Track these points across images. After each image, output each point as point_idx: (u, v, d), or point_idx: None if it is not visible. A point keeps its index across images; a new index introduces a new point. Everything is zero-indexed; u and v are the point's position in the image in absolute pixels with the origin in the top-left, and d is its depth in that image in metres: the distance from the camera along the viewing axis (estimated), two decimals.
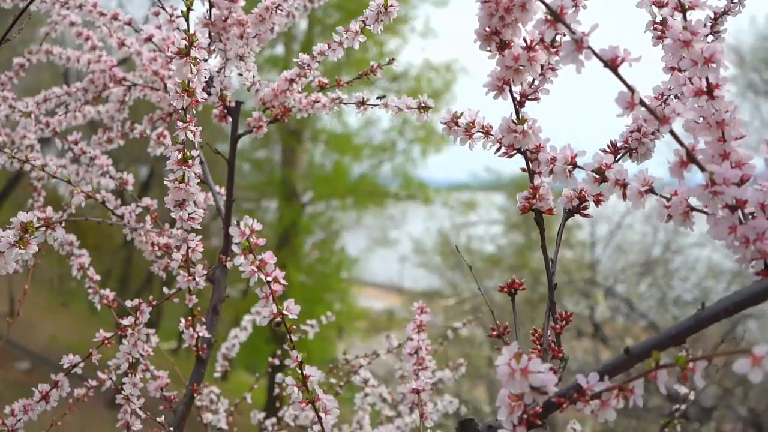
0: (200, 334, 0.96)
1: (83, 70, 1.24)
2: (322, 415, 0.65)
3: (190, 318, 0.96)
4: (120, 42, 1.14)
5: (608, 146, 0.69)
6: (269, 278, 0.62)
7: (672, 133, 0.52)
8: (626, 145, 0.68)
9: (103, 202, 1.00)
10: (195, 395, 0.99)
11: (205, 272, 0.90)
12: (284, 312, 0.63)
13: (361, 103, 0.95)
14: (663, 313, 6.88)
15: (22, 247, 0.67)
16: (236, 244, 0.61)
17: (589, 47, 0.50)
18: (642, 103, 0.50)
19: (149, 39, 1.07)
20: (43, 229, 0.67)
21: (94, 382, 1.12)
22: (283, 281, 0.63)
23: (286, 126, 10.84)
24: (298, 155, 11.26)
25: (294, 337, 1.52)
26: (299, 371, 0.65)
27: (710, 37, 0.72)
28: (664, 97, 0.68)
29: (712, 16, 0.73)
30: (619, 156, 0.69)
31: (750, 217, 0.53)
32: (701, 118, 0.54)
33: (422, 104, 0.85)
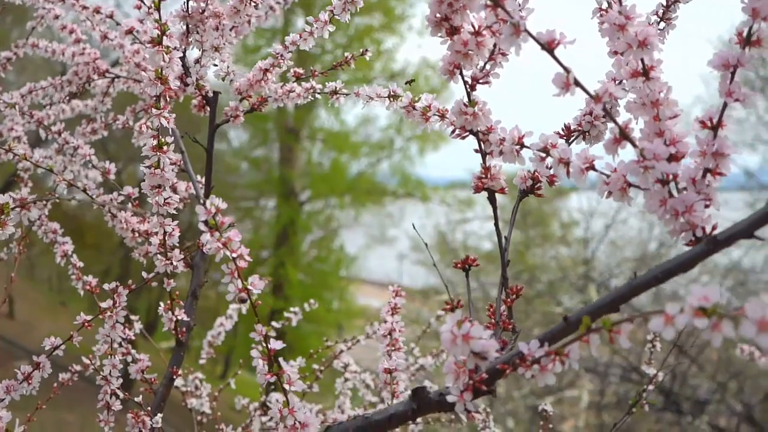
0: (179, 318, 0.99)
1: (68, 63, 1.26)
2: (286, 386, 0.67)
3: (168, 302, 0.99)
4: (102, 35, 1.17)
5: (562, 129, 0.72)
6: (235, 255, 0.65)
7: (605, 111, 0.55)
8: (579, 128, 0.71)
9: (84, 189, 1.03)
10: (174, 377, 1.01)
11: (182, 256, 0.93)
12: (249, 287, 0.66)
13: (334, 93, 0.98)
14: (658, 307, 6.91)
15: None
16: (203, 222, 0.64)
17: (526, 30, 0.53)
18: (576, 83, 0.53)
19: (130, 32, 1.10)
20: (18, 209, 0.70)
21: (78, 367, 1.16)
22: (248, 258, 0.66)
23: (284, 125, 10.87)
24: (296, 154, 11.30)
25: (278, 324, 1.54)
26: (264, 345, 0.68)
27: (662, 24, 0.75)
28: (616, 81, 0.71)
29: (665, 3, 0.76)
30: (572, 138, 0.72)
31: (684, 191, 0.56)
32: (639, 98, 0.57)
33: (392, 93, 0.88)
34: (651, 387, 1.14)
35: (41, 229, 1.17)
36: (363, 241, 11.97)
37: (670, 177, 0.54)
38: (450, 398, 0.57)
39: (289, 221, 10.71)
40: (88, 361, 1.08)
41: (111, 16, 1.14)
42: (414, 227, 0.82)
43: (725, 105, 0.55)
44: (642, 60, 0.56)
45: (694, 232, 0.53)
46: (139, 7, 1.13)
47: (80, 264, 1.14)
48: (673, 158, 0.55)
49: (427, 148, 11.60)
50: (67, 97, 1.22)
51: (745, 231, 0.50)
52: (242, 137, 11.90)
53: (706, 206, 0.54)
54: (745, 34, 0.54)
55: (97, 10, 1.13)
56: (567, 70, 0.53)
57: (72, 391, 1.19)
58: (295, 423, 0.66)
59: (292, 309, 1.43)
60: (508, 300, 0.67)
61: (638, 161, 0.54)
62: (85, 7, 1.13)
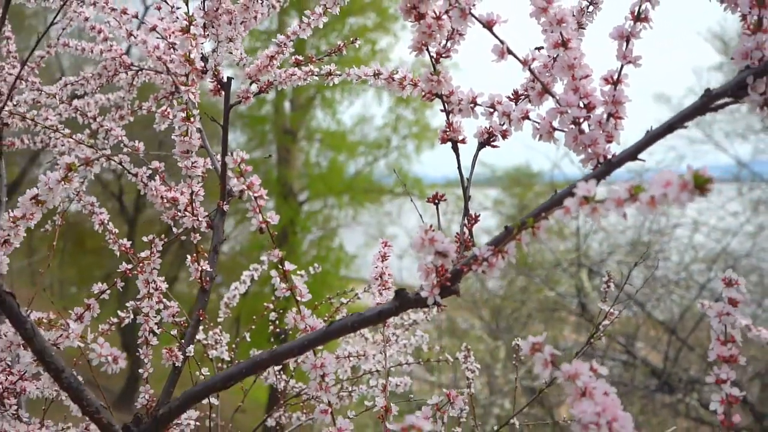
0: (204, 269, 1.18)
1: (96, 59, 1.45)
2: (298, 298, 0.86)
3: (195, 254, 1.17)
4: (128, 33, 1.35)
5: (511, 93, 0.90)
6: (256, 194, 0.83)
7: (531, 71, 0.73)
8: (525, 93, 0.90)
9: (120, 162, 1.21)
10: (201, 319, 1.20)
11: (206, 214, 1.12)
12: (268, 219, 0.84)
13: (329, 74, 1.16)
14: (650, 293, 7.13)
15: (66, 182, 0.88)
16: (230, 169, 0.82)
17: (470, 13, 0.71)
18: (509, 51, 0.72)
19: (153, 29, 1.28)
20: (83, 166, 0.88)
21: (115, 319, 1.34)
22: (266, 197, 0.84)
23: (281, 126, 11.00)
24: (293, 154, 11.48)
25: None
26: (281, 266, 0.86)
27: (590, 7, 0.93)
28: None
29: None
30: (520, 101, 0.90)
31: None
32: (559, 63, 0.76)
33: (376, 72, 1.07)
34: (607, 322, 1.32)
35: (80, 202, 1.36)
36: (362, 240, 12.13)
37: (581, 119, 0.72)
38: (423, 293, 0.76)
39: (288, 221, 10.88)
40: (124, 314, 1.27)
41: (136, 16, 1.32)
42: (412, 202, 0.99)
43: (622, 66, 0.73)
44: (561, 33, 0.75)
45: (598, 159, 0.72)
46: (159, 8, 1.32)
47: (116, 230, 1.32)
48: (587, 107, 0.74)
49: (423, 146, 11.80)
50: (98, 88, 1.41)
51: (631, 155, 0.68)
52: (240, 140, 12.07)
53: (609, 141, 0.73)
54: (636, 12, 0.73)
55: (124, 11, 1.31)
56: (502, 42, 0.72)
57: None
58: (305, 327, 0.85)
59: (298, 272, 1.61)
60: (469, 224, 0.86)
61: (557, 109, 0.73)
62: (113, 9, 1.31)
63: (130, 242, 1.23)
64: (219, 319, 1.60)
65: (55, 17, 1.09)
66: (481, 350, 7.74)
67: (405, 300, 0.79)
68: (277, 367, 1.63)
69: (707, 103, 0.66)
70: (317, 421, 1.62)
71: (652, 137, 0.68)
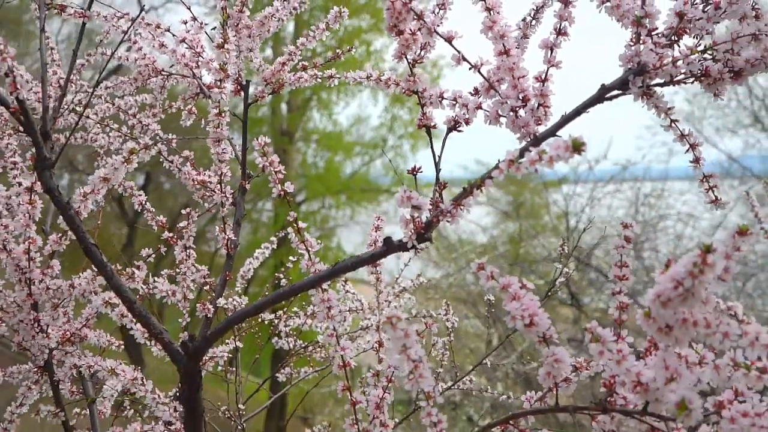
0: (230, 237, 1.44)
1: (131, 66, 1.71)
2: (309, 249, 1.12)
3: (222, 225, 1.43)
4: (160, 44, 1.61)
5: (473, 89, 1.16)
6: (276, 169, 1.09)
7: (480, 73, 0.99)
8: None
9: (159, 152, 1.47)
10: (227, 279, 1.46)
11: (232, 191, 1.38)
12: (285, 188, 1.10)
13: (331, 77, 1.42)
14: (638, 282, 7.42)
15: (128, 163, 1.14)
16: (256, 150, 1.08)
17: (435, 31, 0.97)
18: (463, 58, 0.98)
19: (183, 40, 1.54)
20: (144, 150, 1.14)
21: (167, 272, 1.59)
22: (283, 171, 1.10)
23: (278, 128, 11.20)
24: (290, 156, 11.73)
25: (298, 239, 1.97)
26: (295, 225, 1.12)
27: (533, 21, 1.19)
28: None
29: (535, 7, 1.20)
30: (479, 95, 1.16)
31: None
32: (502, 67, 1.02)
33: (369, 75, 1.33)
34: (562, 279, 1.58)
35: (120, 187, 1.61)
36: (360, 239, 12.37)
37: (518, 108, 0.98)
38: (404, 239, 1.02)
39: (286, 222, 11.09)
40: (171, 271, 1.53)
41: (168, 30, 1.58)
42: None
43: (547, 69, 1.00)
44: (503, 44, 1.01)
45: (530, 137, 0.98)
46: (185, 23, 1.58)
47: (153, 210, 1.58)
48: (523, 99, 1.00)
49: (419, 145, 12.06)
50: (135, 90, 1.67)
51: (551, 133, 0.94)
52: (237, 142, 12.28)
53: (538, 124, 0.99)
54: (558, 28, 0.99)
55: (158, 26, 1.57)
56: (459, 51, 0.98)
57: None
58: (316, 270, 1.11)
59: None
60: (439, 188, 1.12)
61: (500, 100, 0.99)
62: (148, 24, 1.57)
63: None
64: (237, 289, 1.86)
65: (124, 37, 1.35)
66: (476, 341, 8.00)
67: (391, 246, 1.05)
68: (287, 328, 1.89)
69: (603, 94, 0.93)
70: (320, 374, 1.88)
71: (565, 120, 0.94)
